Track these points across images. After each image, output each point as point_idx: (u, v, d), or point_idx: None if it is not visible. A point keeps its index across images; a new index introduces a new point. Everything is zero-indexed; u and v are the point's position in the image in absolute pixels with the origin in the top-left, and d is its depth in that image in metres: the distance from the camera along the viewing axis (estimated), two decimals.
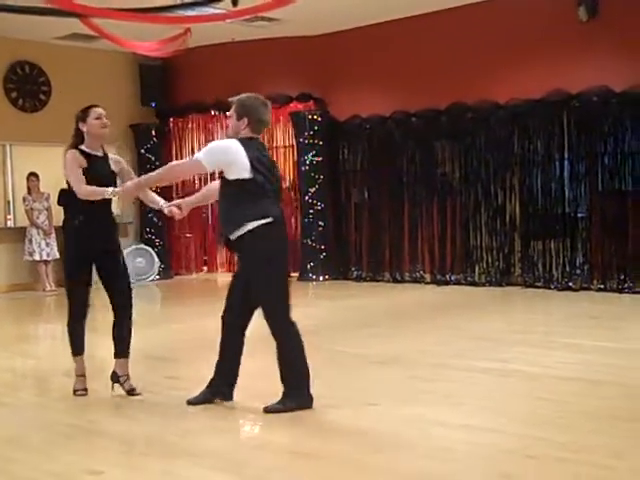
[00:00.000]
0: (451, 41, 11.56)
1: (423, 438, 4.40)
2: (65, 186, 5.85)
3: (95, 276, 5.67)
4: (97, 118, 5.61)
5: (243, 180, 4.89)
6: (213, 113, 13.37)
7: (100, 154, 5.69)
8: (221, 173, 5.05)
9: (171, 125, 14.21)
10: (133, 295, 5.71)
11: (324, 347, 6.89)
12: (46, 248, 12.47)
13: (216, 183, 5.32)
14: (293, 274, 13.23)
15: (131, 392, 5.54)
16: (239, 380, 5.20)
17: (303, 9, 10.55)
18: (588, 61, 10.37)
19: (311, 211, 12.81)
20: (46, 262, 12.55)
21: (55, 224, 12.71)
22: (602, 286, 10.29)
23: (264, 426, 4.86)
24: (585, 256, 10.54)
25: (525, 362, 6.19)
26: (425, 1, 11.30)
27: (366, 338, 7.56)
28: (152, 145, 13.92)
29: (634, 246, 10.16)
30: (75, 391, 5.58)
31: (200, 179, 13.26)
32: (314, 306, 10.45)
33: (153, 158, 13.87)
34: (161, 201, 5.61)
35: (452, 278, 11.69)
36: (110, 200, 5.54)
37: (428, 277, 11.96)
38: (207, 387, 5.17)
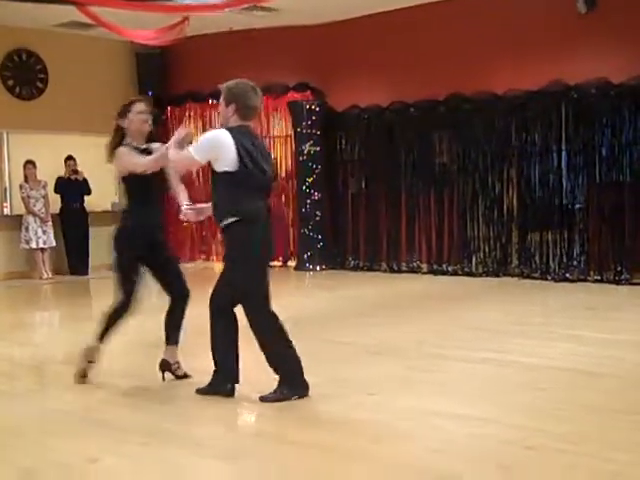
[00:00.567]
0: (450, 32, 11.53)
1: (421, 429, 4.41)
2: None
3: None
4: (139, 113, 5.51)
5: (226, 173, 4.86)
6: (210, 102, 13.31)
7: (145, 147, 5.60)
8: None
9: (168, 114, 14.16)
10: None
11: (321, 337, 6.90)
12: (43, 236, 12.46)
13: None
14: (290, 263, 13.32)
15: (184, 377, 5.52)
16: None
17: None
18: (587, 53, 10.36)
19: (308, 201, 12.80)
20: (43, 250, 12.54)
21: (52, 212, 12.71)
22: (599, 277, 10.31)
23: (261, 415, 4.86)
24: (582, 247, 10.55)
25: (523, 353, 6.20)
26: None
27: (363, 328, 7.56)
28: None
29: (631, 237, 10.17)
30: (83, 376, 5.54)
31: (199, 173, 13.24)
32: (311, 296, 10.46)
33: None
34: (184, 200, 5.41)
35: (449, 268, 11.69)
36: None
37: (425, 267, 11.97)
38: (212, 380, 5.14)
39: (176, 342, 5.57)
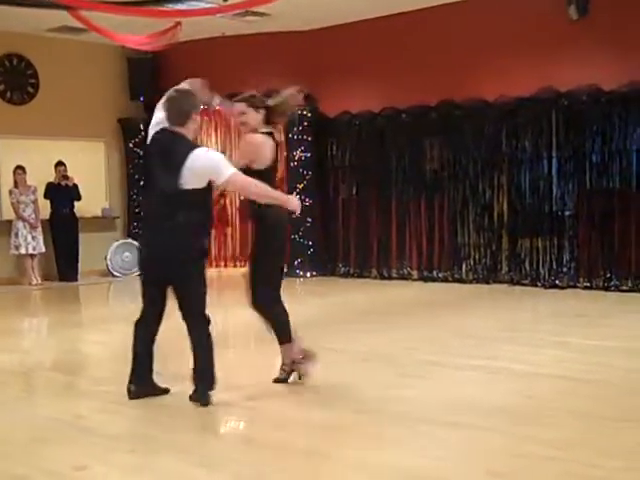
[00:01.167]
0: (441, 38, 11.56)
1: (410, 435, 4.40)
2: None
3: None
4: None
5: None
6: (202, 107, 13.29)
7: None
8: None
9: None
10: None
11: (312, 343, 6.87)
12: (32, 242, 12.41)
13: None
14: None
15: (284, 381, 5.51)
16: (224, 375, 5.17)
17: (293, 4, 10.56)
18: (578, 60, 10.39)
19: None
20: (32, 256, 12.49)
21: (42, 217, 12.67)
22: (588, 284, 10.32)
23: (249, 422, 4.85)
24: (572, 254, 10.57)
25: (512, 360, 6.20)
26: None
27: (353, 334, 7.55)
28: (140, 139, 13.85)
29: (620, 244, 10.20)
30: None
31: None
32: (301, 302, 10.43)
33: (141, 152, 13.83)
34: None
35: (439, 275, 11.70)
36: None
37: (415, 274, 11.97)
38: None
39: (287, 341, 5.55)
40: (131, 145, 13.93)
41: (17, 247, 12.37)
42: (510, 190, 11.09)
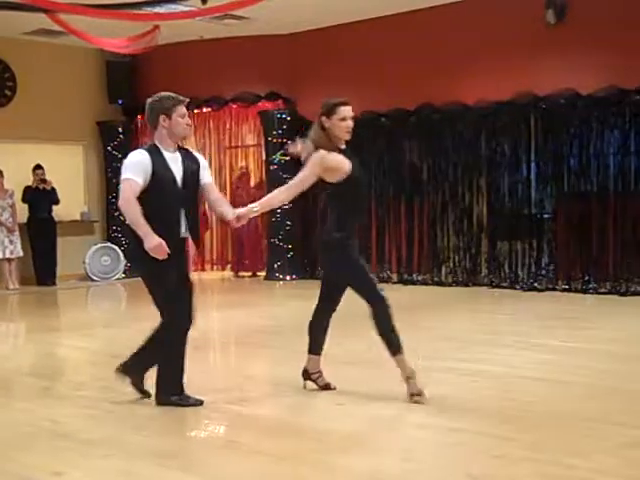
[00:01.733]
0: (420, 42, 11.59)
1: (390, 438, 4.40)
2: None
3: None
4: (342, 119, 5.30)
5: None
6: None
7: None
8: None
9: (138, 123, 14.10)
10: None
11: (291, 347, 6.86)
12: (10, 246, 12.30)
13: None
14: (259, 273, 13.29)
15: (326, 387, 5.41)
16: (205, 378, 5.15)
17: (272, 8, 10.54)
18: (556, 64, 10.45)
19: (278, 210, 12.74)
20: (9, 260, 12.38)
21: (19, 221, 12.57)
22: (567, 286, 10.38)
23: (228, 426, 4.83)
24: (550, 257, 10.63)
25: (492, 362, 6.22)
26: (394, 2, 11.32)
27: (333, 338, 7.50)
28: (119, 142, 13.82)
29: (598, 247, 10.26)
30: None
31: None
32: (281, 305, 10.42)
33: (120, 156, 13.74)
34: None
35: (419, 278, 11.72)
36: None
37: (395, 277, 11.98)
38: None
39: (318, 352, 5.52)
40: (110, 148, 13.86)
41: None
42: (489, 193, 11.14)
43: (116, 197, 15.18)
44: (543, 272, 10.64)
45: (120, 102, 13.89)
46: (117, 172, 15.11)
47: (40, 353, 7.49)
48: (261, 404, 5.25)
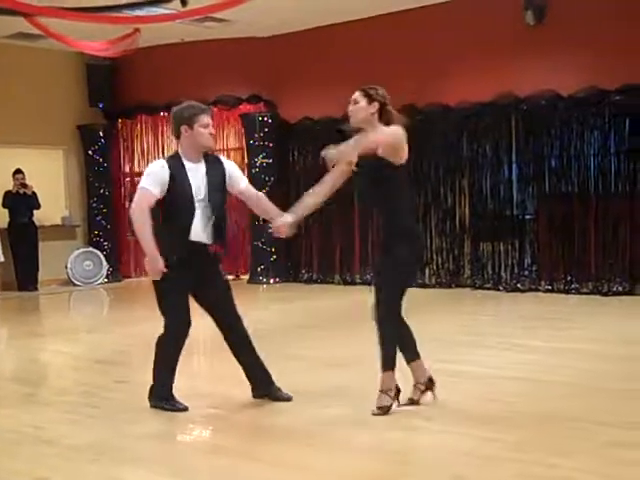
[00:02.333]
0: (402, 44, 11.60)
1: (376, 440, 4.40)
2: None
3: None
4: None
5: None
6: (162, 114, 13.20)
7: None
8: None
9: (119, 126, 14.03)
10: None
11: (277, 350, 6.85)
12: None
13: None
14: (243, 276, 13.27)
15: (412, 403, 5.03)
16: (190, 383, 5.14)
17: (253, 10, 10.51)
18: (536, 65, 10.49)
19: None
20: None
21: (0, 226, 12.49)
22: (549, 287, 10.42)
23: (216, 431, 4.81)
24: (533, 257, 10.68)
25: (475, 363, 6.24)
26: (375, 4, 11.33)
27: (318, 341, 7.55)
28: (100, 146, 13.76)
29: (580, 247, 10.31)
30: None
31: None
32: (265, 309, 10.40)
33: (101, 159, 13.73)
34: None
35: None
36: None
37: None
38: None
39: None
40: (90, 152, 13.78)
41: None
42: (472, 194, 11.17)
43: (97, 201, 15.09)
44: (526, 273, 10.69)
45: (101, 105, 13.80)
46: (98, 176, 15.20)
47: (23, 359, 7.44)
48: (247, 409, 5.23)
